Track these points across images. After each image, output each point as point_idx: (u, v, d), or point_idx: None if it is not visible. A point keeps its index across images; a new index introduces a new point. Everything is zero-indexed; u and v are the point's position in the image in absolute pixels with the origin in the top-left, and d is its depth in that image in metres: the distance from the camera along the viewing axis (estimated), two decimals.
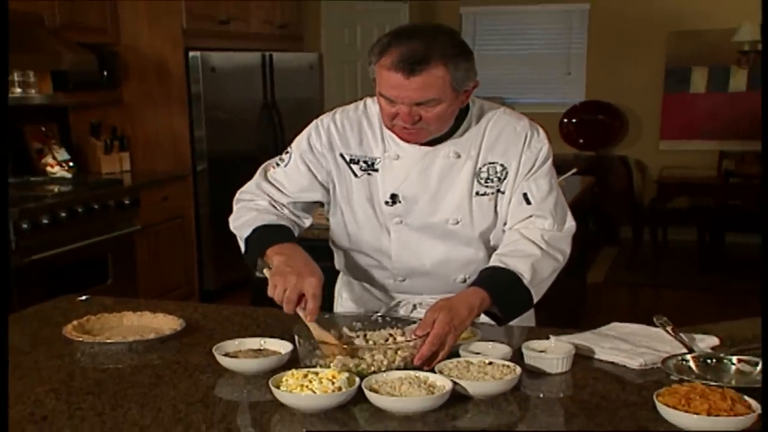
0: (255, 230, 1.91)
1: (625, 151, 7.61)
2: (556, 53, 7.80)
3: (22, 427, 1.43)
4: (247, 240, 1.92)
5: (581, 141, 7.61)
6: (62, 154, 4.84)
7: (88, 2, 4.72)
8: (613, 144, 7.63)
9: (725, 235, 6.41)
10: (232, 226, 2.01)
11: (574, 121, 7.65)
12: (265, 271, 1.82)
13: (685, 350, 1.70)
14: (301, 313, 1.70)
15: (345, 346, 1.63)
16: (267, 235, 1.89)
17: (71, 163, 4.84)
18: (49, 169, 4.73)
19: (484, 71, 7.61)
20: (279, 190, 2.00)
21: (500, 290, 1.78)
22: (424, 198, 1.93)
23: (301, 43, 6.27)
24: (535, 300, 1.86)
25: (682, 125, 7.47)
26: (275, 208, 1.98)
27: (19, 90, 4.39)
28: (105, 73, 4.86)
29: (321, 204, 2.05)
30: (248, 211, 1.98)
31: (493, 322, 1.88)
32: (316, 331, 1.67)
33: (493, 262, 1.87)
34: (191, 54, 5.02)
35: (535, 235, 1.89)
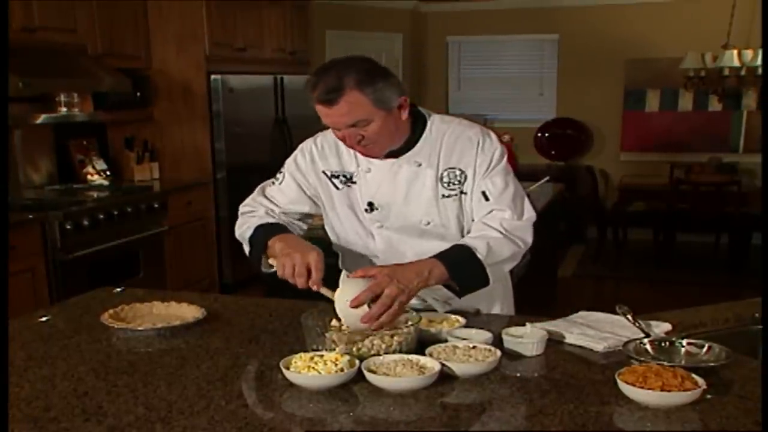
0: (256, 229, 1.92)
1: (590, 161, 7.61)
2: (531, 76, 7.80)
3: (67, 401, 1.42)
4: (251, 239, 1.92)
5: (553, 152, 7.61)
6: (100, 165, 4.83)
7: (124, 33, 4.71)
8: (581, 155, 7.63)
9: (676, 235, 6.42)
10: (237, 234, 2.02)
11: (546, 135, 7.65)
12: (272, 260, 1.81)
13: (642, 335, 1.70)
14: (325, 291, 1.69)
15: (347, 333, 1.63)
16: (267, 231, 1.90)
17: (108, 172, 4.83)
18: (89, 177, 4.72)
19: (468, 92, 7.73)
20: (273, 202, 2.02)
21: (454, 261, 1.76)
22: (397, 203, 1.92)
23: (308, 67, 6.25)
24: (492, 277, 1.81)
25: (639, 139, 7.48)
26: (271, 215, 1.99)
27: (64, 109, 4.37)
28: (138, 94, 4.85)
29: (311, 215, 2.06)
30: (249, 219, 1.99)
31: (471, 310, 1.90)
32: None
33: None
34: (213, 77, 5.01)
35: (495, 223, 1.86)
